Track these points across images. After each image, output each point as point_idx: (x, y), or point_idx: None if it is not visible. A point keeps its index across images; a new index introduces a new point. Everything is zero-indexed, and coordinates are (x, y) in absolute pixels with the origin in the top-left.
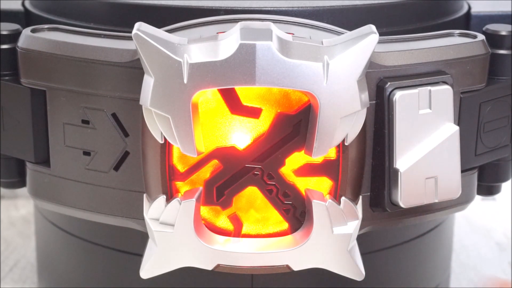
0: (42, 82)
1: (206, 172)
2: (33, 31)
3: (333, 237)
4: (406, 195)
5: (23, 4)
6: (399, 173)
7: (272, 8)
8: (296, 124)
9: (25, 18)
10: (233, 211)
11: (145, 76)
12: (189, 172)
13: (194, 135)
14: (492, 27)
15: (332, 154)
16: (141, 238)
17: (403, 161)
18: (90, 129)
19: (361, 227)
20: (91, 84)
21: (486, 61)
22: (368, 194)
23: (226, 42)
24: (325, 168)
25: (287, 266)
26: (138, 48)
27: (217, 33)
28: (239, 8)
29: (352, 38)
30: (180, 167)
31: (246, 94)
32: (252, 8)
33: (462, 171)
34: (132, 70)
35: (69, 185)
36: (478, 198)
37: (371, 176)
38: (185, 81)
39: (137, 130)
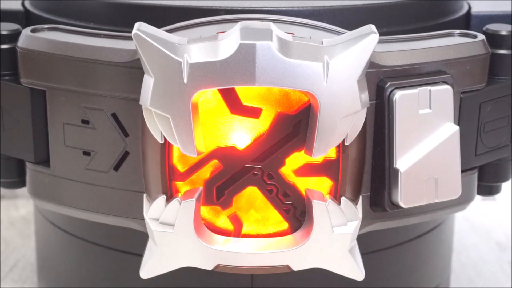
0: (42, 82)
1: (206, 172)
2: (33, 31)
3: (333, 237)
4: (406, 195)
5: (23, 4)
6: (399, 173)
7: (272, 8)
8: (296, 124)
9: (25, 18)
10: (233, 211)
11: (145, 76)
12: (189, 172)
13: (194, 135)
14: (492, 27)
15: (332, 154)
16: (141, 238)
17: (403, 161)
18: (90, 129)
19: (361, 227)
20: (91, 84)
21: (486, 61)
22: (368, 194)
23: (226, 42)
24: (325, 168)
25: (287, 266)
26: (138, 48)
27: (217, 33)
28: (239, 8)
29: (352, 38)
30: (180, 167)
31: (246, 94)
32: (252, 8)
33: (462, 171)
34: (132, 70)
35: (69, 185)
36: (478, 198)
37: (371, 176)
38: (185, 81)
39: (137, 130)
